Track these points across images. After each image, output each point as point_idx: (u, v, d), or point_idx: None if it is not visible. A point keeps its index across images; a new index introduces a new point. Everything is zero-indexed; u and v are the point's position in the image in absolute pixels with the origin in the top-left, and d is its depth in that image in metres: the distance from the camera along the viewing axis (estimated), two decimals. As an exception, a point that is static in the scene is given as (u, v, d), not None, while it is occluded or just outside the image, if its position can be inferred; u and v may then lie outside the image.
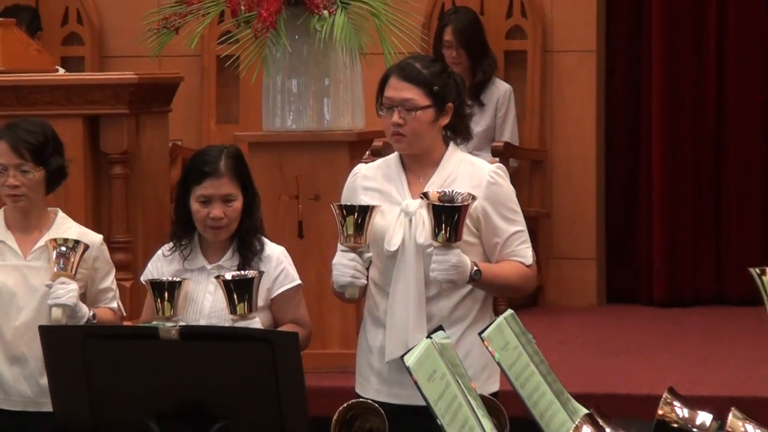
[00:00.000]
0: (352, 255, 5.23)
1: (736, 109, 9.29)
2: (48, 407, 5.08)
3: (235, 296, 5.24)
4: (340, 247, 5.27)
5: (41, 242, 5.49)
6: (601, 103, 9.42)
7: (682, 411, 4.95)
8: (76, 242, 5.45)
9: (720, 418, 4.81)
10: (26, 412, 5.39)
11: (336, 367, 6.38)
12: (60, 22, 9.79)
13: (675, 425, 4.92)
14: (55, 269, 5.40)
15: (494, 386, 5.25)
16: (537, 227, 8.71)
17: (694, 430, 4.91)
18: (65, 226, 5.61)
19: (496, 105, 8.87)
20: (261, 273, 5.34)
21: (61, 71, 8.09)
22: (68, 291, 5.38)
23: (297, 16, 7.04)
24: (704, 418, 4.91)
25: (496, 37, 9.28)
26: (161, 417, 4.89)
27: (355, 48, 7.10)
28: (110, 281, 5.63)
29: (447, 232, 5.16)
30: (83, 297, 5.52)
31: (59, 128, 5.74)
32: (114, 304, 5.63)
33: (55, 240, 5.45)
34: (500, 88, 8.94)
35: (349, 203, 5.29)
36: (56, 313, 5.35)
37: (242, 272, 5.32)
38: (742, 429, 4.67)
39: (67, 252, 5.42)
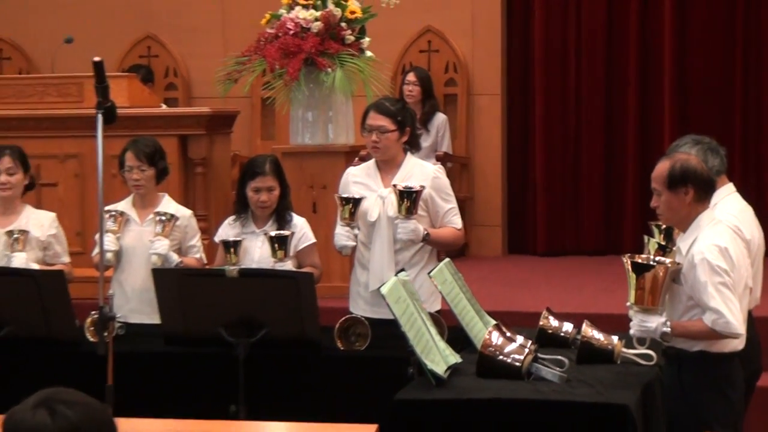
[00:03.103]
0: (347, 228, 5.25)
1: (587, 126, 9.28)
2: (158, 320, 5.11)
3: (276, 246, 5.22)
4: (338, 222, 5.29)
5: (151, 215, 5.49)
6: (504, 127, 9.38)
7: (554, 322, 4.97)
8: (171, 215, 5.45)
9: (578, 326, 4.83)
10: (144, 324, 5.36)
11: (337, 294, 6.38)
12: (164, 75, 9.76)
13: (550, 331, 4.94)
14: (156, 231, 5.41)
15: (437, 306, 5.24)
16: (464, 206, 8.68)
17: (562, 334, 4.92)
18: (168, 204, 5.59)
19: (437, 129, 8.84)
20: (292, 233, 5.34)
21: (164, 107, 8.06)
22: (162, 245, 5.36)
23: (312, 72, 7.01)
24: (568, 326, 4.94)
25: (438, 85, 9.24)
26: (227, 326, 4.89)
27: (348, 92, 7.07)
28: (196, 240, 5.60)
29: (407, 208, 5.17)
30: (179, 250, 5.50)
31: (163, 143, 5.73)
32: (198, 255, 5.60)
33: (158, 212, 5.45)
34: (440, 118, 8.89)
35: (345, 195, 5.29)
36: (153, 258, 5.34)
37: (281, 232, 5.31)
38: (590, 333, 4.68)
39: (164, 221, 5.42)
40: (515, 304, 7.09)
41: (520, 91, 9.45)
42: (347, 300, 5.52)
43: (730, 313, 4.21)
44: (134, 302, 5.45)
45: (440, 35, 9.37)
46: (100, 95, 4.40)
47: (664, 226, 4.84)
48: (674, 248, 4.58)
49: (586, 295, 7.44)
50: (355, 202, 5.24)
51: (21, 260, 5.35)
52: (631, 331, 4.35)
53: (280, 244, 5.24)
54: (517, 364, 4.36)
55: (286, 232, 5.30)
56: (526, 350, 4.40)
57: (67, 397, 2.38)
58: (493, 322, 4.74)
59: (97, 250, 4.92)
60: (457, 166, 9.15)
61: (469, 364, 4.50)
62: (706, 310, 4.24)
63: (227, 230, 5.49)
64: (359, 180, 5.42)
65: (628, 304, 4.36)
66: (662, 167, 4.39)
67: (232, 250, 5.27)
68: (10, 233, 5.42)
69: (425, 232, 5.24)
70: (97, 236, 4.81)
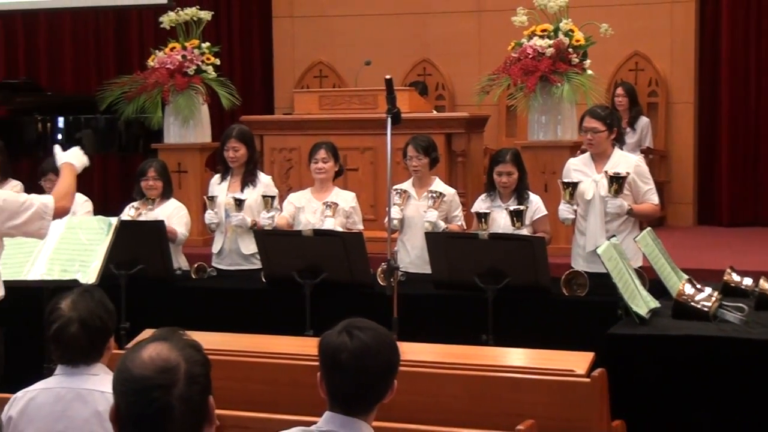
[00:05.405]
0: (568, 205, 5.15)
1: (764, 125, 8.74)
2: (429, 270, 5.11)
3: (514, 218, 5.19)
4: (562, 200, 5.19)
5: (425, 193, 5.50)
6: (695, 127, 8.97)
7: (736, 277, 4.73)
8: (440, 193, 5.45)
9: (756, 281, 4.57)
10: (419, 273, 5.35)
11: (563, 253, 6.23)
12: (435, 89, 9.75)
13: (733, 285, 4.70)
14: (428, 204, 5.41)
15: (639, 263, 5.05)
16: (663, 188, 8.34)
17: (742, 287, 4.68)
18: (438, 185, 5.57)
19: (642, 129, 8.53)
20: (526, 208, 5.28)
21: (435, 113, 8.07)
22: (432, 215, 5.35)
23: (545, 86, 6.87)
24: (748, 281, 4.70)
25: (642, 96, 8.88)
26: (479, 275, 4.88)
27: (573, 101, 6.91)
28: (458, 212, 5.56)
29: (616, 189, 5.04)
30: (445, 219, 5.47)
31: (434, 140, 5.74)
32: (459, 223, 5.56)
33: (430, 191, 5.46)
34: (643, 121, 8.57)
35: (567, 180, 5.20)
36: (426, 225, 5.33)
37: (519, 206, 5.25)
38: (767, 286, 4.44)
39: (435, 197, 5.42)
40: (704, 263, 6.75)
41: (709, 100, 9.02)
42: (570, 258, 5.40)
43: None
44: (412, 257, 5.48)
45: (645, 57, 9.04)
46: (389, 103, 4.45)
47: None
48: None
49: (763, 256, 7.00)
50: (574, 185, 5.14)
51: (330, 223, 5.47)
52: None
53: (517, 216, 5.19)
54: (706, 309, 4.20)
55: (521, 207, 5.24)
56: (713, 298, 4.23)
57: (363, 325, 2.42)
58: (686, 276, 4.56)
59: (386, 218, 5.00)
60: (657, 157, 8.82)
61: (666, 309, 4.37)
62: None
63: (480, 204, 5.46)
64: (578, 168, 5.30)
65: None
66: None
67: (483, 219, 5.25)
68: (326, 203, 5.56)
69: (629, 207, 5.10)
70: (387, 208, 4.87)
